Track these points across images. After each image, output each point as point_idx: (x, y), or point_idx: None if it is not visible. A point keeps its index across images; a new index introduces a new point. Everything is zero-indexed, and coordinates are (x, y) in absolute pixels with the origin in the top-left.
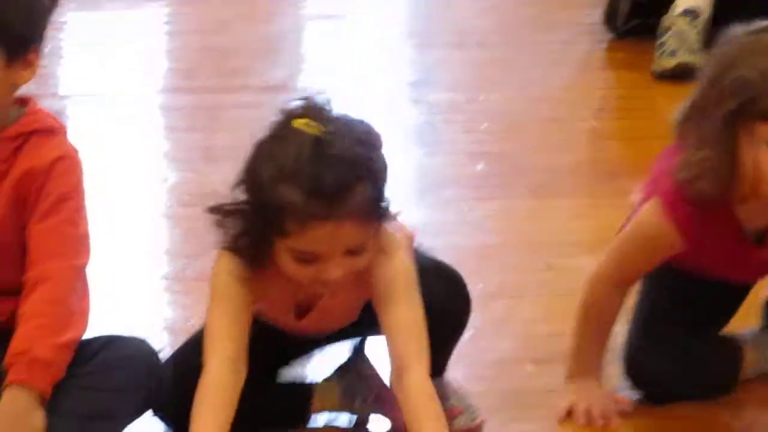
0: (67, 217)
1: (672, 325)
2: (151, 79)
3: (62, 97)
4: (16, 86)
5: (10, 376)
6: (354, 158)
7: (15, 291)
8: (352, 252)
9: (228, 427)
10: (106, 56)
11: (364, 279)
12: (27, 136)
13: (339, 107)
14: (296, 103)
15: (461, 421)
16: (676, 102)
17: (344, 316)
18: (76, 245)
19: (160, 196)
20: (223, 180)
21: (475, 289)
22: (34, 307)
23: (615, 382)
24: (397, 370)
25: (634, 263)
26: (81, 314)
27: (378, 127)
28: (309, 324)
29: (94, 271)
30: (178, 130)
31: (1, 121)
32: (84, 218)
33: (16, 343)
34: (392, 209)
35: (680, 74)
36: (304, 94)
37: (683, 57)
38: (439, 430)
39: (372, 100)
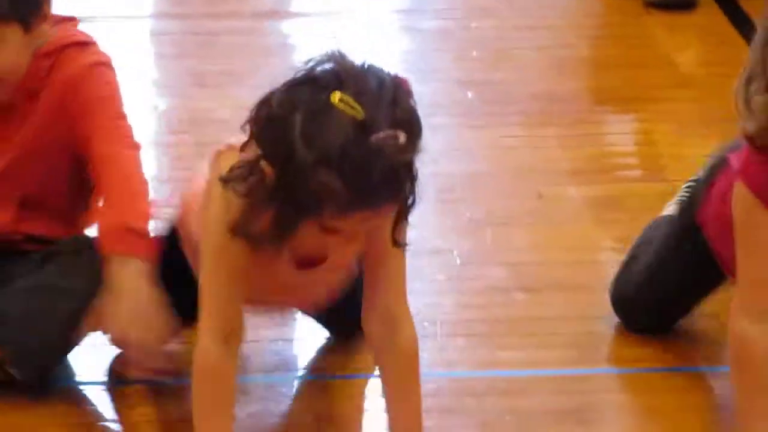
0: (115, 113)
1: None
2: (141, 4)
3: None
4: (40, 39)
5: (120, 248)
6: (397, 148)
7: (38, 205)
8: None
9: (233, 412)
10: None
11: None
12: (60, 49)
13: (361, 55)
14: (326, 66)
15: None
16: (667, 30)
17: (346, 260)
18: (131, 134)
19: (150, 123)
20: (214, 107)
21: (464, 216)
22: (113, 180)
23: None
24: (389, 325)
25: (762, 263)
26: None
27: (368, 54)
28: (307, 279)
29: None
30: (168, 57)
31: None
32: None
33: (111, 215)
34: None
35: (670, 2)
36: (332, 53)
37: None
38: (419, 400)
39: (362, 28)
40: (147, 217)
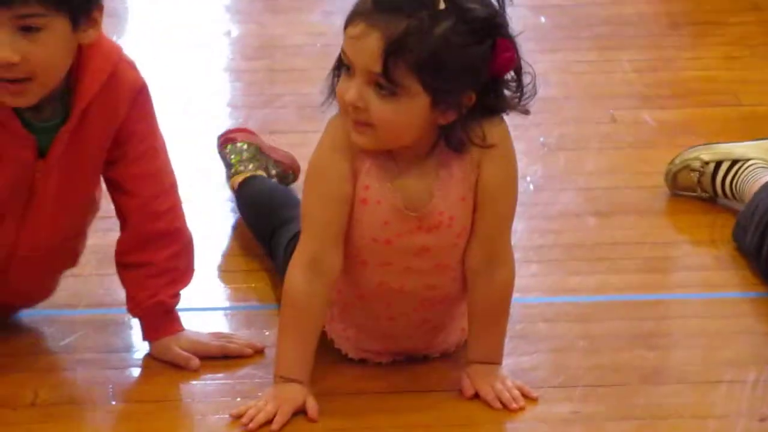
0: (160, 159)
1: None
2: None
3: None
4: (82, 45)
5: (157, 335)
6: (430, 4)
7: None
8: (378, 89)
9: (311, 340)
10: None
11: (470, 174)
12: (93, 99)
13: None
14: None
15: None
16: None
17: (463, 221)
18: (171, 174)
19: (223, 50)
20: (287, 32)
21: (537, 141)
22: (160, 258)
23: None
24: (490, 259)
25: None
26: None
27: None
28: (429, 233)
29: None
30: None
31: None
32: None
33: (146, 296)
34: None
35: None
36: None
37: None
38: (503, 329)
39: None
40: (179, 290)
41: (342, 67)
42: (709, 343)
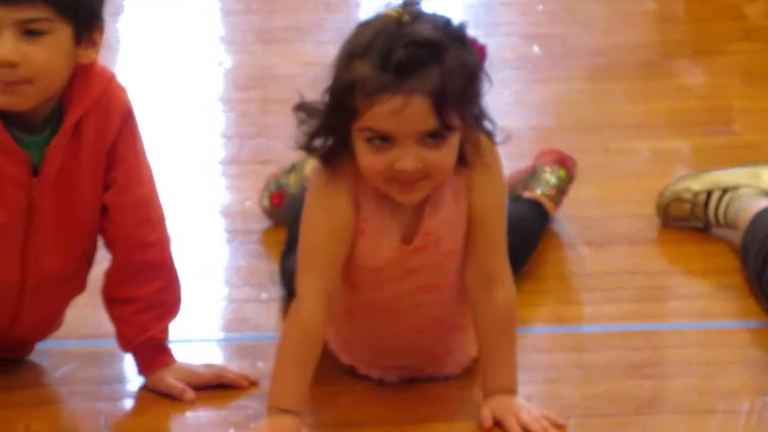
0: (146, 188)
1: None
2: None
3: None
4: (78, 65)
5: (151, 369)
6: (432, 40)
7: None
8: (427, 141)
9: (312, 373)
10: None
11: (462, 194)
12: (85, 115)
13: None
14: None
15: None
16: None
17: (450, 242)
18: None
19: (216, 80)
20: (280, 63)
21: None
22: (147, 293)
23: None
24: (488, 280)
25: None
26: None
27: (434, 9)
28: (415, 255)
29: (149, 155)
30: (234, 13)
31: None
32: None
33: (137, 331)
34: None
35: None
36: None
37: None
38: (513, 354)
39: None
40: (168, 323)
41: (349, 138)
42: (703, 373)
